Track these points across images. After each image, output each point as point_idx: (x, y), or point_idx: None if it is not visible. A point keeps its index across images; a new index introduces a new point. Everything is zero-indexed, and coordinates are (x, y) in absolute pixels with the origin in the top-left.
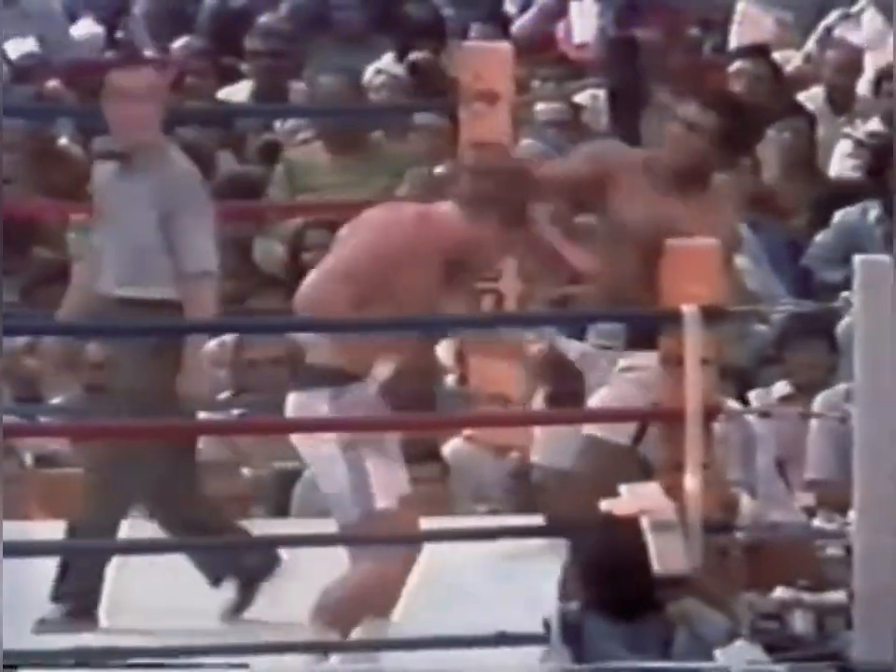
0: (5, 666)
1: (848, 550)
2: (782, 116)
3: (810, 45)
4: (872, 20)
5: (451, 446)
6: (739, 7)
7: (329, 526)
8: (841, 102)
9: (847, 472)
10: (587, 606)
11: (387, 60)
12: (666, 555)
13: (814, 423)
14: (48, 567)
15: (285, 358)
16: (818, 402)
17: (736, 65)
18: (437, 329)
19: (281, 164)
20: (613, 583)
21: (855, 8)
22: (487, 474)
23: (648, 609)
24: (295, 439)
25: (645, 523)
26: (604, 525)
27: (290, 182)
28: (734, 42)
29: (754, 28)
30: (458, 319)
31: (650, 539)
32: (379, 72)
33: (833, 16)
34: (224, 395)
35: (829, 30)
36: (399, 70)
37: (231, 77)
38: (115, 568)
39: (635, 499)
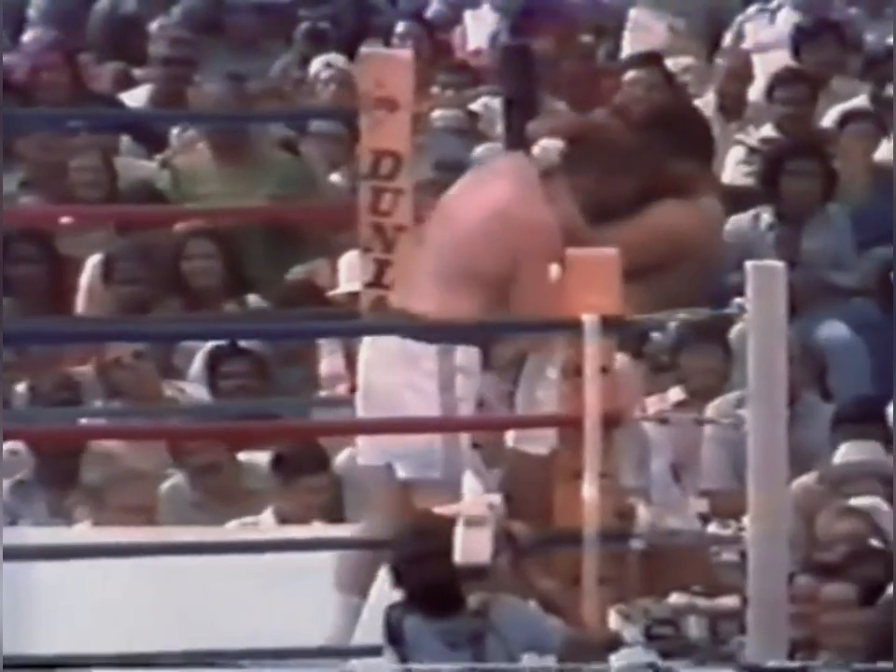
0: (5, 667)
1: (743, 555)
2: None
3: (727, 41)
4: (786, 19)
5: (345, 456)
6: (631, 14)
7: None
8: (732, 108)
9: (740, 479)
10: (404, 604)
11: (334, 55)
12: (470, 547)
13: (707, 430)
14: None
15: (147, 351)
16: (711, 409)
17: (630, 74)
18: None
19: (167, 171)
20: (417, 576)
21: (773, 4)
22: None
23: (457, 603)
24: None
25: (459, 519)
26: (412, 523)
27: (176, 190)
28: (627, 49)
29: (647, 35)
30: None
31: (458, 532)
32: (328, 65)
33: (752, 9)
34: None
35: (741, 23)
36: (345, 64)
37: (125, 82)
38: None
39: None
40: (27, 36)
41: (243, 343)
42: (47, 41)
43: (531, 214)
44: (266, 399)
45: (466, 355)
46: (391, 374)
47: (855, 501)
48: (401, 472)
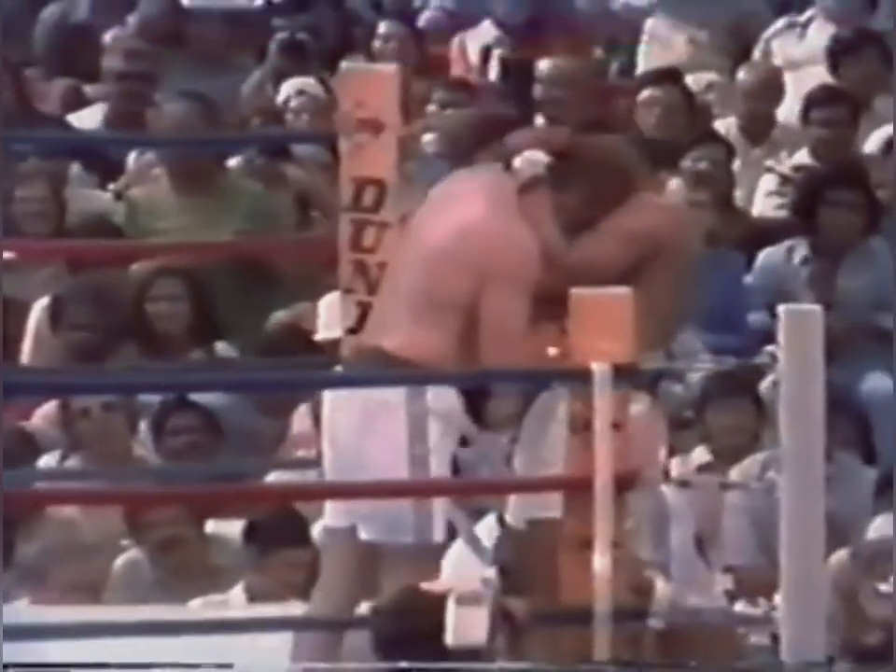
0: (5, 666)
1: (775, 637)
2: (697, 144)
3: (755, 57)
4: (819, 31)
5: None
6: (648, 24)
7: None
8: (757, 131)
9: (768, 552)
10: None
11: (306, 80)
12: (464, 628)
13: (731, 497)
14: None
15: (118, 405)
16: (736, 472)
17: (646, 93)
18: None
19: (123, 203)
20: (405, 656)
21: (803, 17)
22: None
23: None
24: None
25: (451, 596)
26: (396, 600)
27: (133, 224)
28: (642, 64)
29: (664, 49)
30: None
31: (450, 611)
32: (300, 93)
33: (780, 23)
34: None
35: (769, 41)
36: (320, 91)
37: (75, 100)
38: None
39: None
40: None
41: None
42: None
43: (502, 231)
44: (221, 460)
45: (440, 396)
46: (354, 424)
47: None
48: (364, 535)
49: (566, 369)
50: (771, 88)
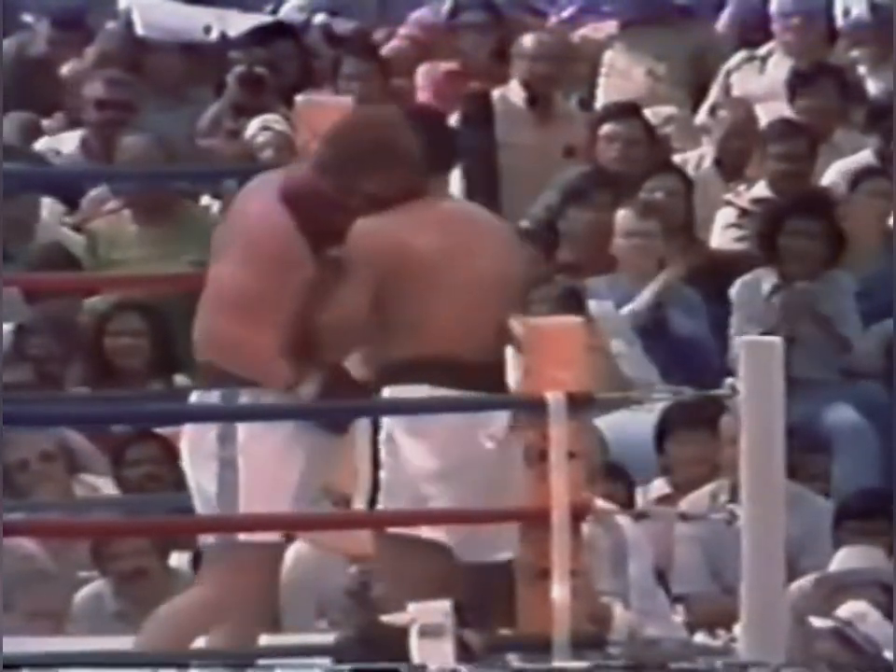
0: (5, 667)
1: (735, 668)
2: (652, 174)
3: (714, 93)
4: (778, 65)
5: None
6: (606, 57)
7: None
8: (732, 166)
9: (720, 581)
10: None
11: (271, 116)
12: (427, 659)
13: (680, 527)
14: None
15: (56, 453)
16: (685, 503)
17: (606, 127)
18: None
19: (83, 236)
20: None
21: (762, 51)
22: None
23: None
24: None
25: (414, 629)
26: (360, 631)
27: (93, 255)
28: (601, 97)
29: (623, 81)
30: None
31: (414, 643)
32: (265, 128)
33: (737, 58)
34: None
35: (728, 74)
36: (285, 127)
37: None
38: None
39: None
40: None
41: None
42: None
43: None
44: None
45: (249, 435)
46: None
47: (843, 608)
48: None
49: (520, 399)
50: (745, 124)
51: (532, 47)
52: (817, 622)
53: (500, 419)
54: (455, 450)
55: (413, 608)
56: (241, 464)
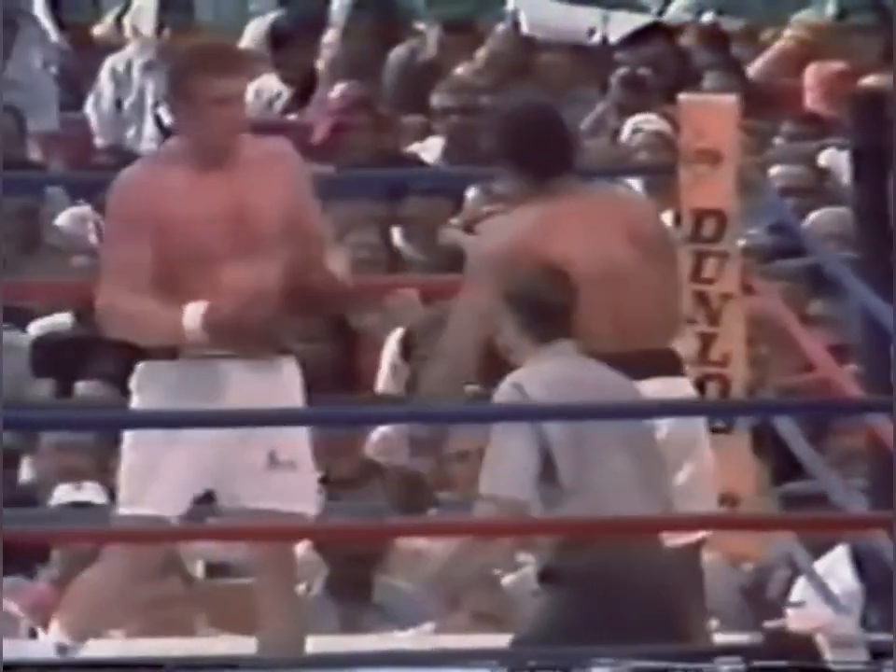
0: (5, 667)
1: None
2: None
3: None
4: None
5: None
6: None
7: None
8: None
9: None
10: None
11: (644, 117)
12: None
13: None
14: None
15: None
16: None
17: None
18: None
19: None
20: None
21: None
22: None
23: None
24: None
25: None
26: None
27: None
28: None
29: None
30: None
31: (827, 656)
32: (636, 130)
33: None
34: None
35: None
36: (663, 126)
37: (422, 135)
38: None
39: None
40: (333, 92)
41: None
42: (350, 97)
43: None
44: None
45: None
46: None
47: None
48: None
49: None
50: None
51: None
52: None
53: None
54: None
55: (819, 614)
56: None
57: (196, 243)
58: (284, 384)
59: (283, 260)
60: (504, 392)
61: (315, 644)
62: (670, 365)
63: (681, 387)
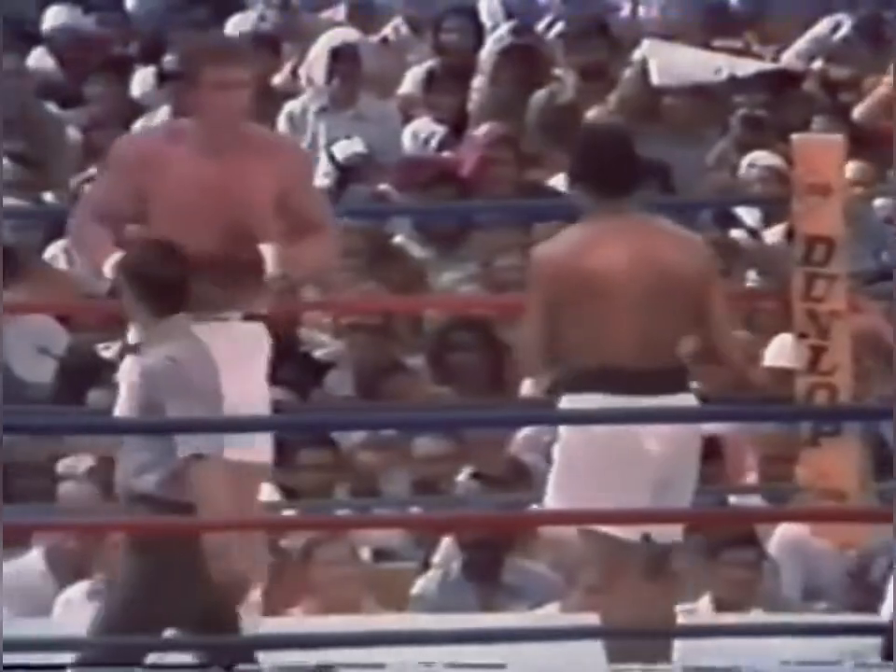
0: (5, 667)
1: None
2: None
3: None
4: None
5: (782, 534)
6: None
7: None
8: None
9: None
10: None
11: (759, 153)
12: None
13: None
14: None
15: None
16: None
17: None
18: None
19: None
20: None
21: None
22: (824, 570)
23: None
24: None
25: None
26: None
27: None
28: None
29: None
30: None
31: None
32: (751, 166)
33: None
34: None
35: None
36: (776, 161)
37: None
38: None
39: None
40: (480, 130)
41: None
42: (495, 135)
43: None
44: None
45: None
46: None
47: None
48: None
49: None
50: None
51: None
52: None
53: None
54: None
55: None
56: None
57: (173, 205)
58: (243, 344)
59: (264, 238)
60: (160, 364)
61: (452, 621)
62: (681, 382)
63: (689, 403)
